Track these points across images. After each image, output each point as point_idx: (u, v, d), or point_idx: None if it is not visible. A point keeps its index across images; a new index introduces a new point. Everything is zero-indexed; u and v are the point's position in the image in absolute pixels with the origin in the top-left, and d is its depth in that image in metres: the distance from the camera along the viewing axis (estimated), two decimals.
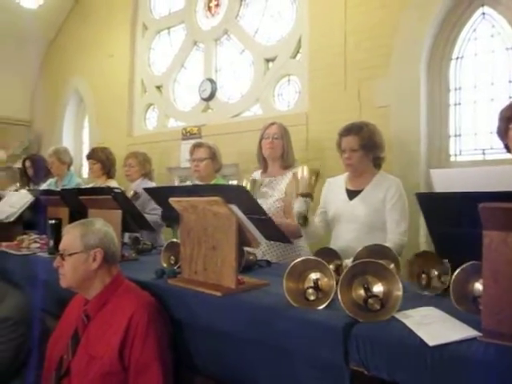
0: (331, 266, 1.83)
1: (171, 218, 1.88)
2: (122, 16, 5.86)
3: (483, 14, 3.01)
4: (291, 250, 2.53)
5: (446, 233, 1.24)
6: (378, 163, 2.39)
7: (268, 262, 2.28)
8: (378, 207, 2.26)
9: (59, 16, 6.87)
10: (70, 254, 1.69)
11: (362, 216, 2.28)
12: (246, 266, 2.05)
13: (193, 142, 3.49)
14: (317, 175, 2.18)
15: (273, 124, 2.72)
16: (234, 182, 4.01)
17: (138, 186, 3.66)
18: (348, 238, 2.27)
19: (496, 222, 1.11)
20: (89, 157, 4.07)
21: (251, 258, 2.08)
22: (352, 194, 2.36)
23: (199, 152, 3.05)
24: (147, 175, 3.76)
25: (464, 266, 1.34)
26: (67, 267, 1.69)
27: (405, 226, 2.23)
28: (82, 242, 1.69)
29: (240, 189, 1.60)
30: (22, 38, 6.60)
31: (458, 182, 1.11)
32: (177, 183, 3.50)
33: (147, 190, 2.06)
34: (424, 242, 3.08)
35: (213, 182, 3.05)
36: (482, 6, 3.00)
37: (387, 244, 2.12)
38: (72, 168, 4.79)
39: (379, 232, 2.24)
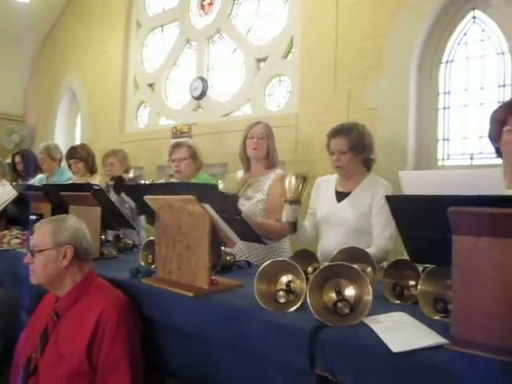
0: (309, 269, 1.81)
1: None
2: (116, 13, 5.84)
3: (474, 17, 2.99)
4: (273, 252, 2.49)
5: (418, 237, 1.20)
6: (368, 165, 2.32)
7: (248, 263, 2.25)
8: (366, 211, 2.20)
9: (53, 11, 6.84)
10: (40, 251, 1.65)
11: (348, 219, 2.22)
12: (225, 267, 2.02)
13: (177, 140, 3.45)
14: (304, 180, 2.14)
15: (258, 123, 2.67)
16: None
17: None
18: (334, 241, 2.20)
19: (466, 227, 1.08)
20: (70, 156, 4.03)
21: (228, 258, 2.05)
22: (341, 196, 2.30)
23: (179, 152, 2.99)
24: (127, 171, 3.74)
25: (429, 271, 1.32)
26: (37, 264, 1.66)
27: (391, 231, 2.15)
28: (53, 239, 1.66)
29: (212, 188, 1.57)
30: (14, 33, 6.56)
31: (428, 185, 1.08)
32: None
33: (124, 187, 2.02)
34: None
35: (193, 180, 3.00)
36: (473, 9, 2.99)
37: (371, 248, 2.09)
38: (63, 164, 4.75)
39: (366, 236, 2.19)
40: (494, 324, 1.05)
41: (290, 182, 2.13)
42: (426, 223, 1.16)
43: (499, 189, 1.00)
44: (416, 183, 1.11)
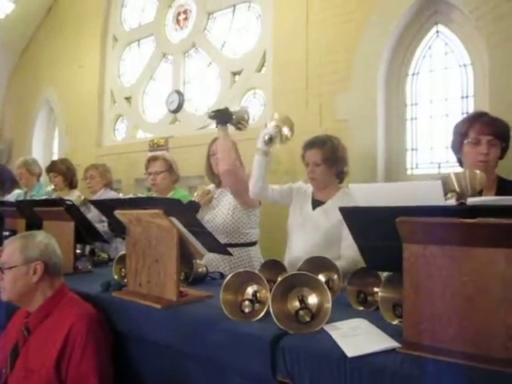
0: (279, 278, 1.85)
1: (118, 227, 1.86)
2: (92, 27, 5.86)
3: (437, 32, 3.11)
4: (244, 261, 2.54)
5: (372, 246, 1.26)
6: (341, 177, 2.38)
7: (221, 274, 2.29)
8: (338, 222, 2.23)
9: (31, 26, 6.83)
10: (10, 268, 1.67)
11: (321, 227, 2.26)
12: (197, 278, 2.06)
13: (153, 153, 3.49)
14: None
15: (217, 140, 2.72)
16: None
17: (101, 196, 3.66)
18: (304, 249, 2.24)
19: (413, 236, 1.14)
20: (49, 170, 4.03)
21: (200, 270, 2.09)
22: (316, 204, 2.35)
23: (155, 165, 3.04)
24: (109, 185, 3.75)
25: (389, 277, 1.38)
26: (7, 281, 1.68)
27: None
28: (22, 255, 1.68)
29: (177, 202, 1.61)
30: None
31: (377, 197, 1.14)
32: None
33: (93, 202, 2.05)
34: None
35: (171, 193, 3.04)
36: (436, 24, 3.10)
37: (341, 260, 2.14)
38: (42, 179, 4.74)
39: (336, 247, 2.22)
40: (441, 327, 1.11)
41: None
42: (377, 233, 1.22)
43: (440, 199, 1.06)
44: (366, 195, 1.17)
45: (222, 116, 2.48)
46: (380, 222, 1.17)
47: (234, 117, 2.49)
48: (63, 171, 3.95)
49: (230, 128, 2.55)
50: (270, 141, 2.26)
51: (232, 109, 2.51)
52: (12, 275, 1.67)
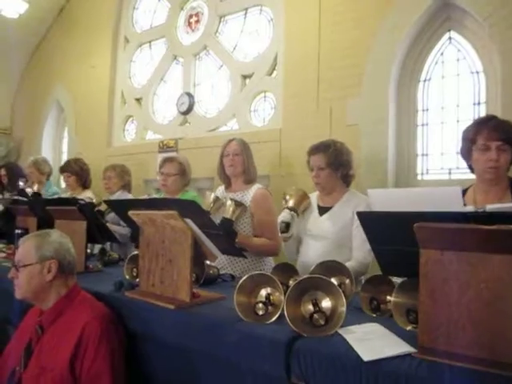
0: (290, 282, 1.86)
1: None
2: (104, 28, 5.90)
3: (450, 38, 3.11)
4: (256, 264, 2.54)
5: (388, 250, 1.27)
6: (347, 181, 2.41)
7: (232, 276, 2.29)
8: (347, 225, 2.27)
9: (43, 26, 6.88)
10: (25, 266, 1.69)
11: (330, 232, 2.29)
12: (208, 280, 2.07)
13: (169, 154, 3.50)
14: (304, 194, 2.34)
15: (232, 141, 2.72)
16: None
17: (117, 198, 3.67)
18: (315, 253, 2.27)
19: (431, 241, 1.15)
20: (63, 170, 4.06)
21: (211, 271, 2.09)
22: (323, 210, 2.38)
23: (169, 167, 3.05)
24: (126, 187, 3.76)
25: (402, 283, 1.39)
26: (21, 278, 1.70)
27: None
28: (37, 254, 1.70)
29: (192, 204, 1.62)
30: (3, 47, 6.60)
31: (394, 202, 1.15)
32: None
33: (107, 202, 2.07)
34: None
35: (179, 194, 3.05)
36: (449, 30, 3.10)
37: (351, 262, 2.16)
38: (51, 178, 4.78)
39: (347, 249, 2.25)
40: (457, 332, 1.11)
41: (292, 193, 2.37)
42: (394, 238, 1.23)
43: (458, 205, 1.07)
44: (384, 200, 1.17)
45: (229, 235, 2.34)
46: (397, 227, 1.18)
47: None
48: (77, 171, 3.98)
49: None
50: (287, 228, 2.27)
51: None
52: (27, 273, 1.69)
